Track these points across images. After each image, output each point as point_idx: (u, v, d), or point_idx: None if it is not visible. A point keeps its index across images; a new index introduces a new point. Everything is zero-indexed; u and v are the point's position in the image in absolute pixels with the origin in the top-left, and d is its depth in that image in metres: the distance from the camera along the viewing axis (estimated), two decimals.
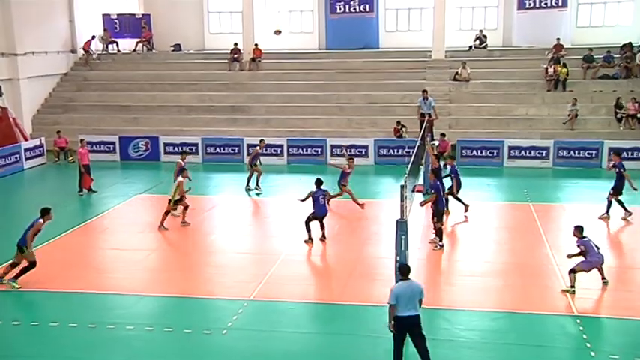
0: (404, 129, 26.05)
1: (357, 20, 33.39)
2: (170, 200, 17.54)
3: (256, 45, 31.98)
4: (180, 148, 27.05)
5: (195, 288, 13.59)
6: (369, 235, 16.94)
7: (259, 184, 21.53)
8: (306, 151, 25.95)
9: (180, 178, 17.69)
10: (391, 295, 9.67)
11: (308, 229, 16.17)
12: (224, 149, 26.71)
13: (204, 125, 28.70)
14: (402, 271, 9.90)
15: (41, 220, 13.66)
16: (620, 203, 17.91)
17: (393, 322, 9.66)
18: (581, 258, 13.06)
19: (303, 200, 16.59)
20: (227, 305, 12.66)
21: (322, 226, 16.30)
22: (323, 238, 16.29)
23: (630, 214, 17.85)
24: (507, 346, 10.93)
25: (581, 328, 11.42)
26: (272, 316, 12.20)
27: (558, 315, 12.06)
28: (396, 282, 10.33)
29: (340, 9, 33.61)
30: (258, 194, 21.11)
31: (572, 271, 13.06)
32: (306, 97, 29.63)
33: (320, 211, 16.23)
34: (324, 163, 25.49)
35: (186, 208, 17.70)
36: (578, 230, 13.33)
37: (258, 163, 21.75)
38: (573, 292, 12.87)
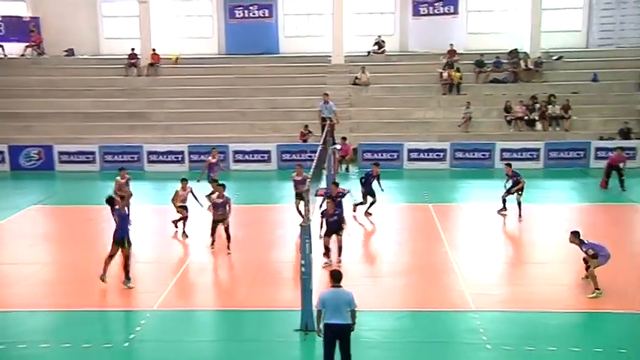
0: (310, 134, 26.21)
1: (257, 25, 33.32)
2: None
3: (154, 50, 31.32)
4: (76, 156, 26.24)
5: (93, 300, 13.12)
6: (274, 240, 16.95)
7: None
8: (208, 157, 25.56)
9: (178, 186, 17.22)
10: (318, 300, 9.71)
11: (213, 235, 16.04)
12: (123, 157, 25.96)
13: (101, 132, 27.78)
14: (333, 277, 9.79)
15: (118, 207, 13.60)
16: (504, 202, 18.68)
17: (320, 327, 9.68)
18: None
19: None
20: (129, 317, 12.32)
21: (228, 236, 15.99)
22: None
23: (505, 213, 18.69)
24: (410, 345, 11.22)
25: (478, 322, 11.89)
26: (177, 326, 11.97)
27: (457, 312, 12.49)
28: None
29: (239, 14, 33.43)
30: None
31: (592, 274, 12.95)
32: (207, 103, 29.30)
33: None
34: (227, 168, 25.29)
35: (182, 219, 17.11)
36: (576, 236, 13.23)
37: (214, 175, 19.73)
38: (601, 293, 12.79)
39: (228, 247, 15.70)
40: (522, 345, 11.00)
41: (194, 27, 34.35)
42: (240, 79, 30.51)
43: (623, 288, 13.42)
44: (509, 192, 18.60)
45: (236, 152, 26.00)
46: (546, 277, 14.34)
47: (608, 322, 12.00)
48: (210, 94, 29.74)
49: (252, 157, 26.06)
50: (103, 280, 13.48)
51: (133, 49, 31.25)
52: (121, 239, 13.48)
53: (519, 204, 18.45)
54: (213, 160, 20.23)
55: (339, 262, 14.54)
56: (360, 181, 19.16)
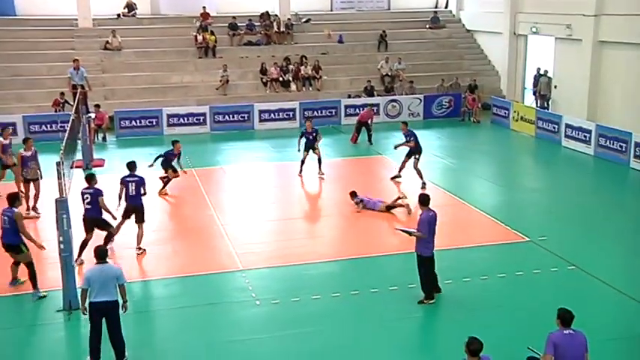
0: (66, 103, 24.39)
1: None
2: None
3: None
4: None
5: None
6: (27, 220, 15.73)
7: None
8: None
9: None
10: (83, 279, 9.31)
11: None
12: None
13: None
14: (97, 254, 9.41)
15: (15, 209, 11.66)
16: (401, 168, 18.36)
17: (86, 307, 9.25)
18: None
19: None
20: None
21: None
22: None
23: (400, 180, 18.32)
24: (180, 310, 11.26)
25: (247, 281, 12.28)
26: None
27: (226, 272, 12.77)
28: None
29: None
30: None
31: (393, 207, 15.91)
32: None
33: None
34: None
35: None
36: (352, 195, 16.17)
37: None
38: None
39: None
40: (289, 297, 11.59)
41: None
42: None
43: (368, 234, 14.77)
44: (408, 157, 18.07)
45: None
46: (307, 231, 15.25)
47: (362, 266, 13.08)
48: None
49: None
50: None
51: None
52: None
53: (419, 172, 17.93)
54: (6, 142, 17.20)
55: None
56: (160, 160, 17.97)
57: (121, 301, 9.42)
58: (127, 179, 13.67)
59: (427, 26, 32.68)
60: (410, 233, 11.39)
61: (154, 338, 10.60)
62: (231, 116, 26.03)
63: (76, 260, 12.17)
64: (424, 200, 11.20)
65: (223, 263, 13.18)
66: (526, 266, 12.78)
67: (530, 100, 28.08)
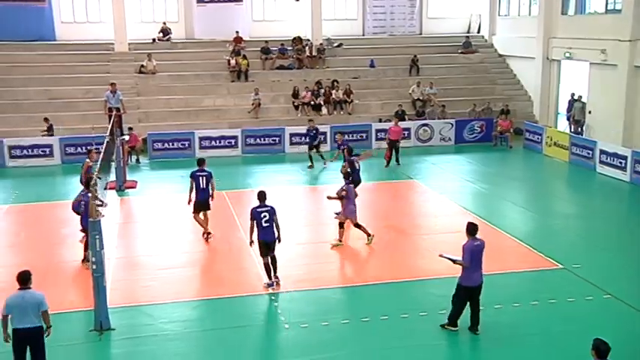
0: (51, 129, 24.73)
1: (27, 10, 30.65)
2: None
3: None
4: None
5: None
6: (62, 239, 15.97)
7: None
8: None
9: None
10: (4, 305, 9.06)
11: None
12: None
13: None
14: (20, 279, 9.11)
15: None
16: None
17: (9, 333, 9.07)
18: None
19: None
20: None
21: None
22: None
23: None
24: (209, 332, 11.25)
25: (275, 304, 12.24)
26: None
27: (256, 295, 12.72)
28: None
29: None
30: None
31: (340, 225, 15.22)
32: None
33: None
34: (5, 165, 23.39)
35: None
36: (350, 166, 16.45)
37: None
38: (341, 244, 15.17)
39: None
40: (318, 321, 11.50)
41: None
42: (12, 67, 28.16)
43: (400, 258, 14.64)
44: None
45: (12, 147, 24.02)
46: (337, 254, 15.12)
47: (393, 291, 12.93)
48: None
49: (32, 152, 24.25)
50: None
51: None
52: None
53: None
54: (91, 163, 16.74)
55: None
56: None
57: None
58: (198, 174, 14.93)
59: (459, 51, 32.67)
60: (454, 261, 10.96)
61: None
62: (262, 139, 26.19)
63: (270, 284, 12.83)
64: (470, 229, 10.82)
65: (253, 286, 13.14)
66: (560, 294, 12.52)
67: (563, 125, 27.76)
